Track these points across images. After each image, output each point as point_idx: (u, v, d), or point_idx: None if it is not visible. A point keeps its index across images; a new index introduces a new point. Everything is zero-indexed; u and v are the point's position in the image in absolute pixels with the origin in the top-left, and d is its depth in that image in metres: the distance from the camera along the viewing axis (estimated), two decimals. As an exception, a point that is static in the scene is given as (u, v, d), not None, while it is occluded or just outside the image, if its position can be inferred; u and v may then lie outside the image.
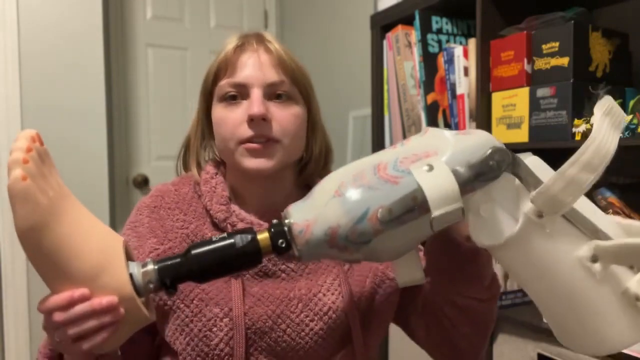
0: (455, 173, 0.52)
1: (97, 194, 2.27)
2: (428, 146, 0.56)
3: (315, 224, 0.54)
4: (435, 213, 0.51)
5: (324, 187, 0.57)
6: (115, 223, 2.38)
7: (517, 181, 0.54)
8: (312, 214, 0.55)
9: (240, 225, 0.76)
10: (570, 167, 0.50)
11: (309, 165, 0.83)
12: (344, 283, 0.77)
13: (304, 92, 0.79)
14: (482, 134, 0.56)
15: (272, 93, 0.76)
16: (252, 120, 0.73)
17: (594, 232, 0.53)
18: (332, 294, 0.76)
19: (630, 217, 1.05)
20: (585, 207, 0.54)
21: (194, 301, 0.73)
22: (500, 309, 1.29)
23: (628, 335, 0.53)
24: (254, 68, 0.75)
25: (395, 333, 0.89)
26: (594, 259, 0.52)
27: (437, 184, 0.51)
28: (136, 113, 2.57)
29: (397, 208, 0.52)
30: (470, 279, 0.72)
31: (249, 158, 0.74)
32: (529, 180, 0.53)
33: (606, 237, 0.53)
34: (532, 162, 0.56)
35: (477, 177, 0.53)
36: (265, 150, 0.74)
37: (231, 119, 0.75)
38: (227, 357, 0.72)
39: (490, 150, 0.53)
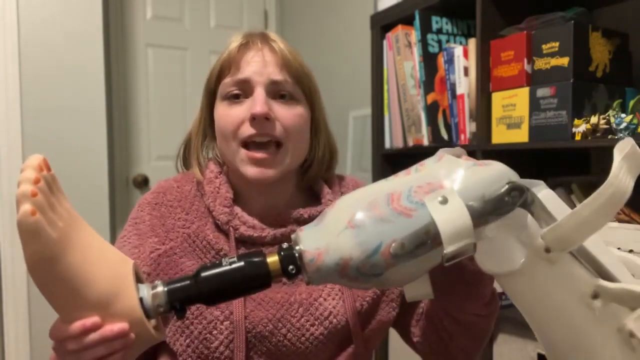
0: (469, 208, 0.51)
1: (97, 194, 2.26)
2: (442, 175, 0.55)
3: (327, 254, 0.54)
4: (448, 249, 0.51)
5: (336, 216, 0.56)
6: (115, 223, 2.38)
7: (529, 214, 0.54)
8: (323, 242, 0.55)
9: (242, 228, 0.76)
10: (585, 208, 0.49)
11: (312, 168, 0.82)
12: (345, 288, 0.77)
13: (307, 93, 0.78)
14: (498, 166, 0.55)
15: (276, 92, 0.75)
16: (254, 119, 0.72)
17: (599, 269, 0.53)
18: (333, 298, 0.76)
19: (631, 217, 1.05)
20: (591, 243, 0.54)
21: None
22: (500, 309, 1.29)
23: None
24: (257, 66, 0.74)
25: (396, 333, 0.89)
26: (595, 295, 0.52)
27: (451, 219, 0.51)
28: (136, 113, 2.57)
29: (409, 242, 0.52)
30: (472, 296, 0.72)
31: (252, 167, 0.74)
32: (541, 216, 0.53)
33: (608, 275, 0.53)
34: (545, 195, 0.55)
35: (491, 212, 0.52)
36: (269, 159, 0.73)
37: (233, 117, 0.74)
38: (227, 359, 0.72)
39: (507, 186, 0.53)
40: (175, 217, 0.78)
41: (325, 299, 0.76)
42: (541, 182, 0.57)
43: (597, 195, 0.49)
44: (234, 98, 0.75)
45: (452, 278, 0.70)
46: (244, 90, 0.75)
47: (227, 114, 0.75)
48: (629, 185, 0.50)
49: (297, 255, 0.56)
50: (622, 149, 0.51)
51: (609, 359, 0.54)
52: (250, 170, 0.74)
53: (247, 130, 0.73)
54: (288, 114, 0.74)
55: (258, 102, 0.72)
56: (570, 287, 0.53)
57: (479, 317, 0.74)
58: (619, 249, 0.98)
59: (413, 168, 0.59)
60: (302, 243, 0.56)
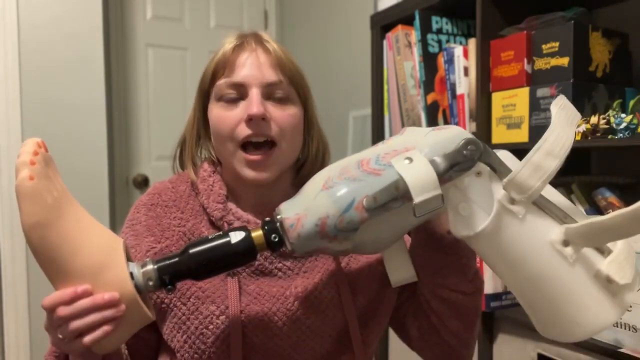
0: (432, 163, 0.57)
1: (97, 194, 2.27)
2: (406, 142, 0.61)
3: (306, 217, 0.58)
4: (417, 199, 0.56)
5: (312, 183, 0.61)
6: (115, 223, 2.38)
7: (490, 175, 0.59)
8: (302, 207, 0.59)
9: (237, 224, 0.77)
10: (535, 153, 0.55)
11: (306, 166, 0.83)
12: (341, 280, 0.77)
13: (300, 93, 0.79)
14: (455, 128, 0.61)
15: (270, 93, 0.76)
16: (250, 120, 0.73)
17: (564, 218, 0.57)
18: (329, 291, 0.76)
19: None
20: (554, 195, 0.59)
21: (191, 299, 0.73)
22: (500, 309, 1.29)
23: (602, 317, 0.56)
24: (252, 68, 0.75)
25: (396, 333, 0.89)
26: (566, 243, 0.55)
27: (417, 173, 0.56)
28: (136, 113, 2.58)
29: (381, 196, 0.57)
30: (454, 270, 0.74)
31: (248, 169, 0.75)
32: (501, 170, 0.58)
33: (575, 222, 0.56)
34: (503, 154, 0.60)
35: (452, 166, 0.57)
36: (265, 161, 0.74)
37: (229, 118, 0.75)
38: (223, 354, 0.73)
39: (463, 141, 0.58)
40: (170, 217, 0.79)
41: (320, 292, 0.76)
42: (501, 149, 0.62)
43: (543, 140, 0.55)
44: (229, 99, 0.76)
45: (432, 252, 0.73)
46: (239, 91, 0.75)
47: (223, 116, 0.76)
48: (570, 130, 0.56)
49: (278, 224, 0.60)
50: (557, 103, 0.57)
51: (590, 307, 0.56)
52: (248, 173, 0.75)
53: (244, 131, 0.74)
54: (283, 115, 0.75)
55: (254, 103, 0.73)
56: (541, 238, 0.56)
57: (465, 295, 0.76)
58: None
59: (380, 142, 0.65)
60: (283, 212, 0.60)
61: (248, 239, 0.60)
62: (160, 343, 0.81)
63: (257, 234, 0.60)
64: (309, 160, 0.83)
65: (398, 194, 0.56)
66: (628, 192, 1.11)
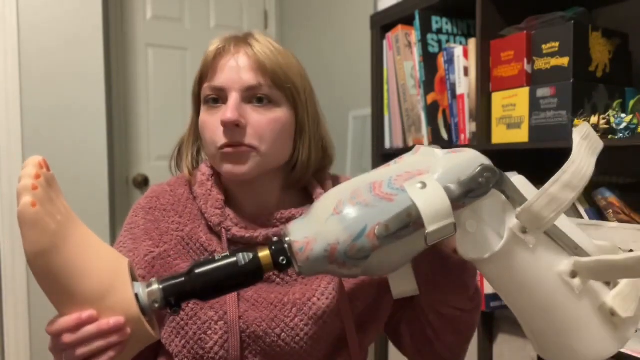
0: (446, 190, 0.55)
1: (97, 194, 2.26)
2: (420, 164, 0.59)
3: (315, 242, 0.56)
4: (430, 229, 0.54)
5: (322, 206, 0.59)
6: (115, 223, 2.38)
7: (503, 198, 0.57)
8: (311, 231, 0.57)
9: (235, 230, 0.76)
10: (552, 185, 0.54)
11: (296, 169, 0.80)
12: (339, 287, 0.77)
13: (288, 95, 0.76)
14: (470, 152, 0.59)
15: (252, 97, 0.74)
16: (225, 126, 0.73)
17: (574, 249, 0.56)
18: (327, 298, 0.76)
19: (631, 217, 1.05)
20: (566, 225, 0.58)
21: (190, 304, 0.73)
22: (500, 309, 1.29)
23: (602, 348, 0.56)
24: (231, 72, 0.74)
25: (396, 333, 0.90)
26: (574, 274, 0.55)
27: (430, 200, 0.54)
28: (136, 113, 2.57)
29: (393, 224, 0.55)
30: (456, 289, 0.74)
31: (224, 163, 0.74)
32: (515, 197, 0.57)
33: (585, 254, 0.56)
34: (518, 180, 0.59)
35: (467, 194, 0.55)
36: (238, 154, 0.73)
37: (211, 124, 0.75)
38: None
39: (479, 168, 0.56)
40: (169, 221, 0.79)
41: (319, 299, 0.76)
42: (514, 172, 0.60)
43: (562, 171, 0.54)
44: (213, 103, 0.75)
45: (436, 270, 0.72)
46: (220, 95, 0.75)
47: (205, 120, 0.76)
48: (591, 162, 0.55)
49: (286, 246, 0.58)
50: (580, 131, 0.56)
51: (592, 338, 0.56)
52: (226, 167, 0.74)
53: (221, 138, 0.73)
54: (262, 120, 0.74)
55: (228, 109, 0.72)
56: (550, 268, 0.56)
57: (463, 311, 0.76)
58: (619, 249, 0.98)
59: (392, 162, 0.62)
60: (291, 234, 0.58)
61: (255, 260, 0.58)
62: (159, 346, 0.81)
63: (264, 254, 0.59)
64: (298, 165, 0.80)
65: (410, 220, 0.55)
66: (628, 192, 1.11)
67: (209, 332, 0.73)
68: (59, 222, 0.54)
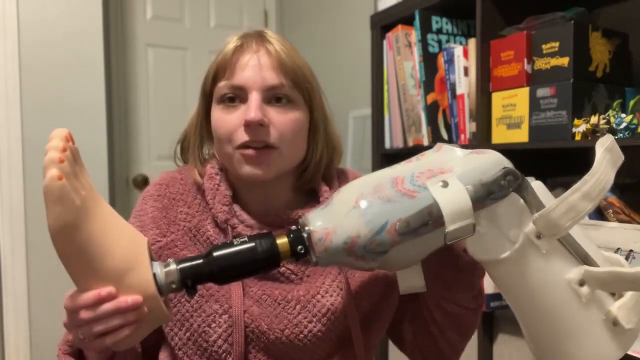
0: (468, 190, 0.55)
1: (97, 194, 2.26)
2: (442, 162, 0.59)
3: (335, 233, 0.57)
4: (450, 227, 0.54)
5: (344, 198, 0.59)
6: (115, 223, 2.38)
7: (520, 202, 0.57)
8: (332, 223, 0.57)
9: (240, 227, 0.76)
10: (572, 194, 0.54)
11: (309, 169, 0.80)
12: (344, 284, 0.77)
13: (305, 95, 0.76)
14: (494, 154, 0.59)
15: (272, 97, 0.73)
16: (248, 126, 0.72)
17: (584, 258, 0.57)
18: (331, 295, 0.76)
19: (631, 217, 1.05)
20: (578, 234, 0.58)
21: (195, 296, 0.73)
22: (500, 309, 1.29)
23: (601, 356, 0.57)
24: (253, 70, 0.73)
25: (395, 333, 0.90)
26: (582, 282, 0.56)
27: (452, 200, 0.55)
28: (136, 113, 2.57)
29: (414, 221, 0.55)
30: (462, 287, 0.75)
31: (245, 165, 0.73)
32: (533, 202, 0.57)
33: (594, 263, 0.57)
34: (536, 186, 0.59)
35: (488, 195, 0.56)
36: (261, 157, 0.72)
37: (228, 123, 0.73)
38: (225, 354, 0.72)
39: (502, 171, 0.56)
40: (177, 210, 0.79)
41: (323, 296, 0.76)
42: (532, 178, 0.60)
43: (583, 182, 0.55)
44: (230, 102, 0.74)
45: (446, 267, 0.72)
46: (239, 94, 0.74)
47: (223, 119, 0.74)
48: (611, 174, 0.56)
49: (305, 235, 0.58)
50: (603, 143, 0.57)
51: (592, 346, 0.57)
52: (245, 169, 0.73)
53: (242, 136, 0.72)
54: (284, 120, 0.73)
55: (252, 108, 0.71)
56: (559, 274, 0.57)
57: (467, 309, 0.77)
58: (619, 249, 0.98)
59: (414, 158, 0.62)
60: (311, 224, 0.58)
61: (274, 247, 0.59)
62: (161, 340, 0.81)
63: (282, 241, 0.59)
64: (312, 164, 0.80)
65: (431, 219, 0.55)
66: (628, 192, 1.11)
67: (213, 324, 0.73)
68: (83, 198, 0.54)
